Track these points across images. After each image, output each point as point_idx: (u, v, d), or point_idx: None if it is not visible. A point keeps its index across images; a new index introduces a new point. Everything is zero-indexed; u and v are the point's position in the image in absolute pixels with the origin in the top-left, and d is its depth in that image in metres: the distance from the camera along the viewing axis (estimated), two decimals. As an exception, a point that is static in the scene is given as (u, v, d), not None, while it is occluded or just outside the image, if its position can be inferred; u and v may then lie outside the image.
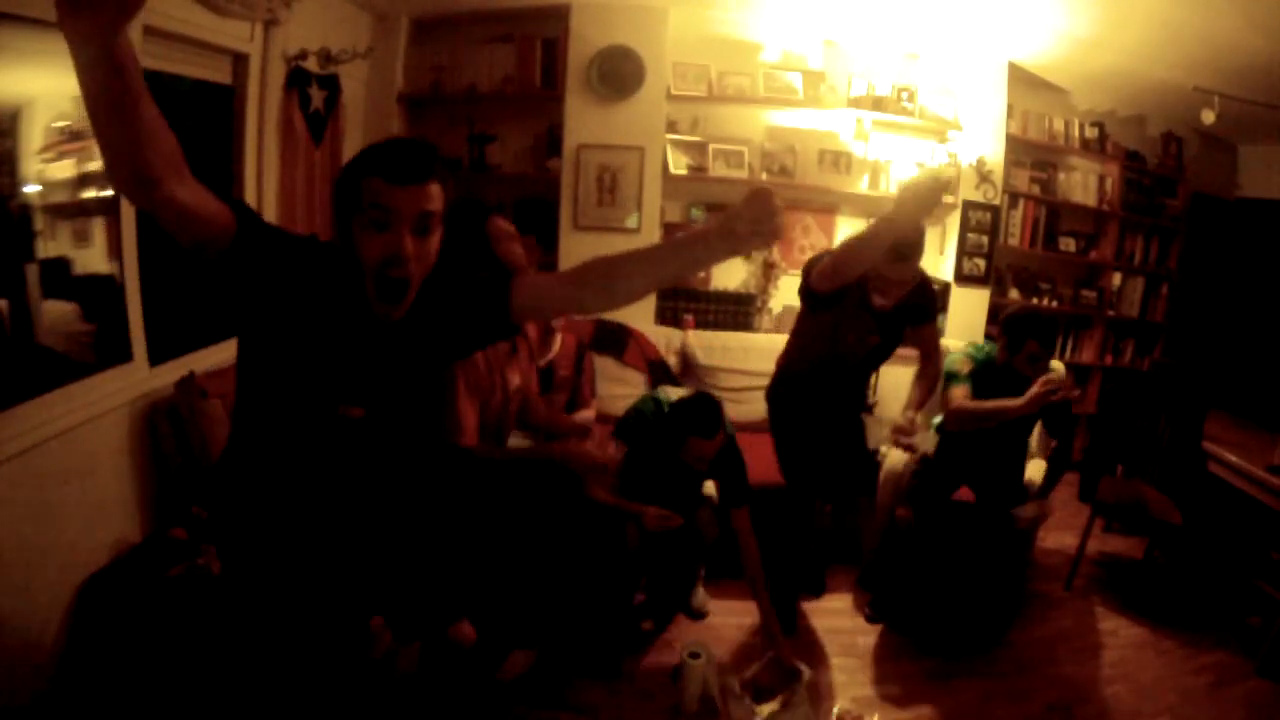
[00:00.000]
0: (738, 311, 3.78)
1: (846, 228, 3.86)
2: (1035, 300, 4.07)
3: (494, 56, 3.62)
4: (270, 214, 2.74)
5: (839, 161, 3.73)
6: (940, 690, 2.33)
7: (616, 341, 3.43)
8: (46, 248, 1.84)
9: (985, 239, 3.83)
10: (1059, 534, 3.37)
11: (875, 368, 2.60)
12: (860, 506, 2.79)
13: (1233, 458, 2.94)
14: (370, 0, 3.35)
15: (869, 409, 2.68)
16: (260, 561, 1.36)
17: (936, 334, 2.57)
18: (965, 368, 2.47)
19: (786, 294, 3.83)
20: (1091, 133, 3.97)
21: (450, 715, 2.01)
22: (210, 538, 2.04)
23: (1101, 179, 4.03)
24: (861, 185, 3.75)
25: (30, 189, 1.78)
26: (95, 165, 1.95)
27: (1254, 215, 4.10)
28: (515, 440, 2.74)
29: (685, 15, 3.55)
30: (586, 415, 2.98)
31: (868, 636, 2.59)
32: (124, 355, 2.12)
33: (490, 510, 1.98)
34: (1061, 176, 4.03)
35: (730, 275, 3.87)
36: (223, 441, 2.13)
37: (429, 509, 1.85)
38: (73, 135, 1.87)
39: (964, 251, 3.83)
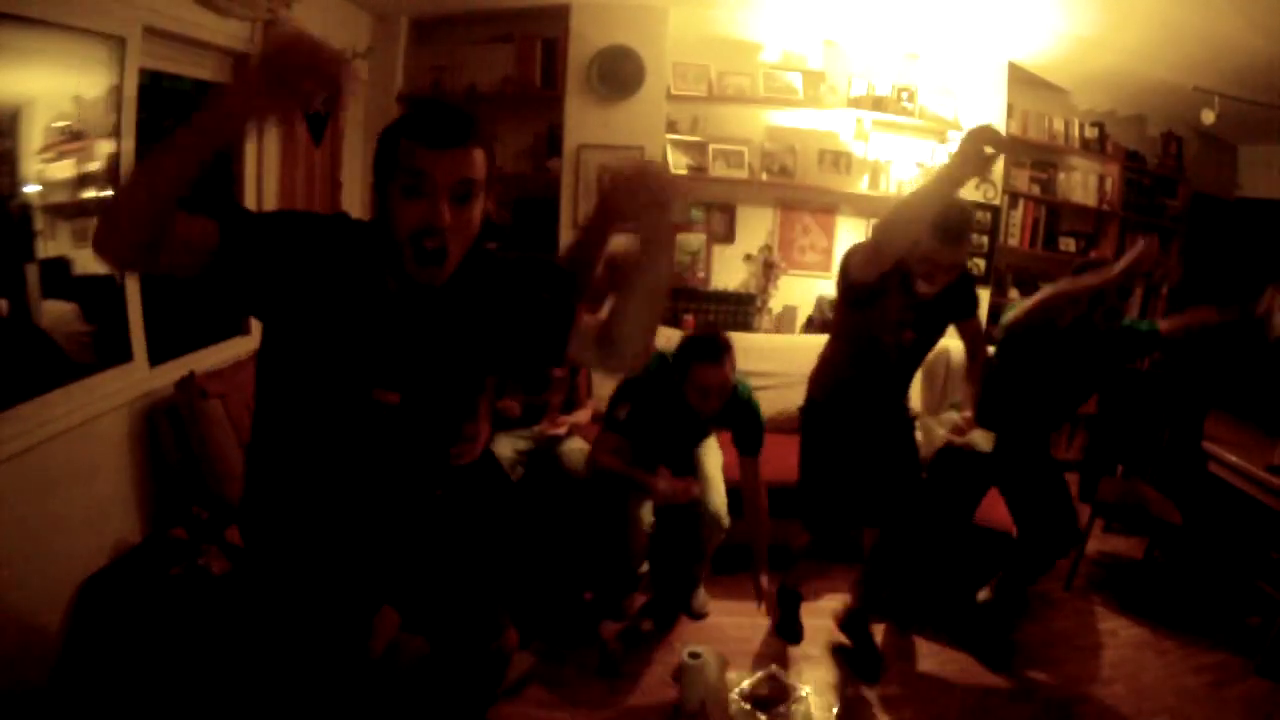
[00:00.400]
0: (737, 311, 3.78)
1: (846, 228, 3.86)
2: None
3: (494, 56, 3.62)
4: (270, 214, 2.73)
5: (839, 161, 3.73)
6: (940, 690, 2.33)
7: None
8: (46, 248, 1.85)
9: (985, 239, 3.83)
10: (1059, 534, 3.37)
11: (916, 368, 2.38)
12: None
13: (1233, 458, 2.93)
14: (370, 0, 3.35)
15: (912, 421, 2.55)
16: (286, 557, 1.32)
17: (981, 327, 2.45)
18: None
19: (786, 294, 3.83)
20: (1091, 133, 3.96)
21: (450, 715, 2.01)
22: (211, 537, 2.04)
23: (1101, 179, 4.03)
24: (861, 185, 3.75)
25: (30, 189, 1.79)
26: (95, 165, 1.95)
27: (1254, 215, 4.09)
28: (515, 440, 2.76)
29: (685, 15, 3.55)
30: (582, 414, 3.00)
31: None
32: (124, 355, 2.12)
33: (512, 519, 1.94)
34: (1061, 176, 4.02)
35: (730, 275, 3.87)
36: (222, 441, 2.17)
37: (457, 515, 1.81)
38: (73, 135, 1.87)
39: (964, 251, 3.82)
